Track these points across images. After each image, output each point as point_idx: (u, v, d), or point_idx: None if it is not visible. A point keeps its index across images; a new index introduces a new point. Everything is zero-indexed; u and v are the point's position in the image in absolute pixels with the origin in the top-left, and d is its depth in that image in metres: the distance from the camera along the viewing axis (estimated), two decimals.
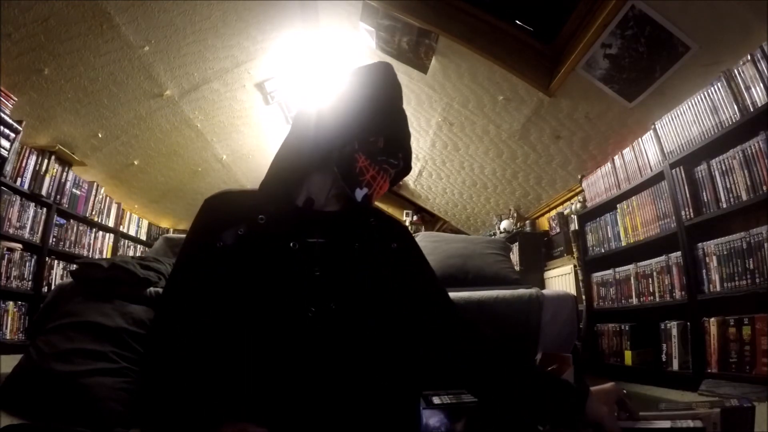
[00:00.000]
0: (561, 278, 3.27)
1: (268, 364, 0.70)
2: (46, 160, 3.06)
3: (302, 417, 0.69)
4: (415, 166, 4.13)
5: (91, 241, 3.73)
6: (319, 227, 0.78)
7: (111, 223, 4.01)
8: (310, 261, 0.75)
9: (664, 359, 2.08)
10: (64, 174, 3.27)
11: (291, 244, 0.75)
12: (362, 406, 0.72)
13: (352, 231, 0.81)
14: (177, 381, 0.70)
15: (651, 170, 2.32)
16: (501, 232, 3.74)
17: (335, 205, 0.82)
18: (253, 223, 0.76)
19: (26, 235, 2.94)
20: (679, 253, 2.07)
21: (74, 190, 3.44)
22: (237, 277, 0.73)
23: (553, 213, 3.52)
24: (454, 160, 3.73)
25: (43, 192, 3.06)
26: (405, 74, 2.98)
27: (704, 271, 1.93)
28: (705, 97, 1.97)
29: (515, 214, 3.84)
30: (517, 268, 2.95)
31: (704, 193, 1.97)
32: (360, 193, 0.78)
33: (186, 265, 0.79)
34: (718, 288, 1.85)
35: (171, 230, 4.98)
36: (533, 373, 0.76)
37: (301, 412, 0.69)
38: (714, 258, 1.88)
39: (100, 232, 3.86)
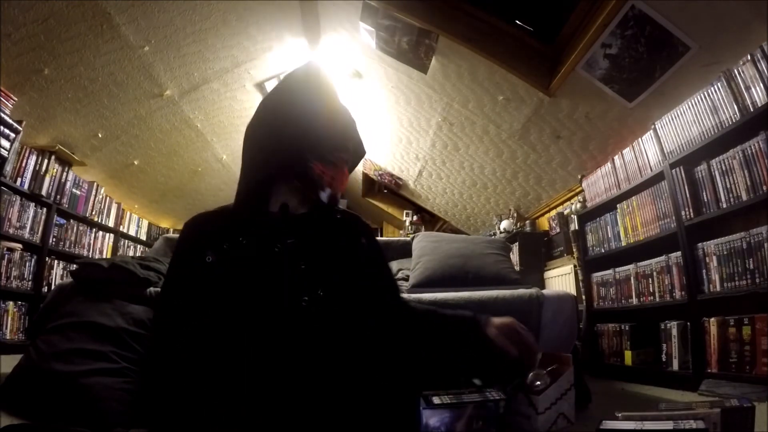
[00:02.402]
0: (561, 278, 3.27)
1: (272, 356, 0.74)
2: (46, 160, 3.06)
3: (302, 405, 0.72)
4: (415, 166, 4.13)
5: (91, 241, 3.73)
6: (296, 229, 0.86)
7: (111, 223, 4.01)
8: (295, 258, 0.82)
9: (664, 359, 2.08)
10: (64, 174, 3.27)
11: (276, 248, 0.82)
12: (360, 388, 0.77)
13: (324, 229, 0.89)
14: (179, 382, 0.73)
15: (651, 170, 2.31)
16: (501, 232, 3.74)
17: (305, 207, 0.90)
18: (235, 238, 0.82)
19: (26, 235, 2.94)
20: (679, 253, 2.07)
21: (74, 190, 3.44)
22: (230, 284, 0.78)
23: (553, 213, 3.52)
24: (454, 160, 3.73)
25: (43, 192, 3.06)
26: (405, 74, 2.98)
27: (704, 271, 1.93)
28: (705, 97, 1.97)
29: (515, 214, 3.83)
30: (517, 268, 2.94)
31: (704, 193, 1.97)
32: (324, 195, 0.87)
33: (176, 282, 0.84)
34: (718, 288, 1.85)
35: (171, 230, 4.98)
36: (438, 320, 0.91)
37: (302, 399, 0.72)
38: (714, 258, 1.88)
39: (100, 232, 3.86)
